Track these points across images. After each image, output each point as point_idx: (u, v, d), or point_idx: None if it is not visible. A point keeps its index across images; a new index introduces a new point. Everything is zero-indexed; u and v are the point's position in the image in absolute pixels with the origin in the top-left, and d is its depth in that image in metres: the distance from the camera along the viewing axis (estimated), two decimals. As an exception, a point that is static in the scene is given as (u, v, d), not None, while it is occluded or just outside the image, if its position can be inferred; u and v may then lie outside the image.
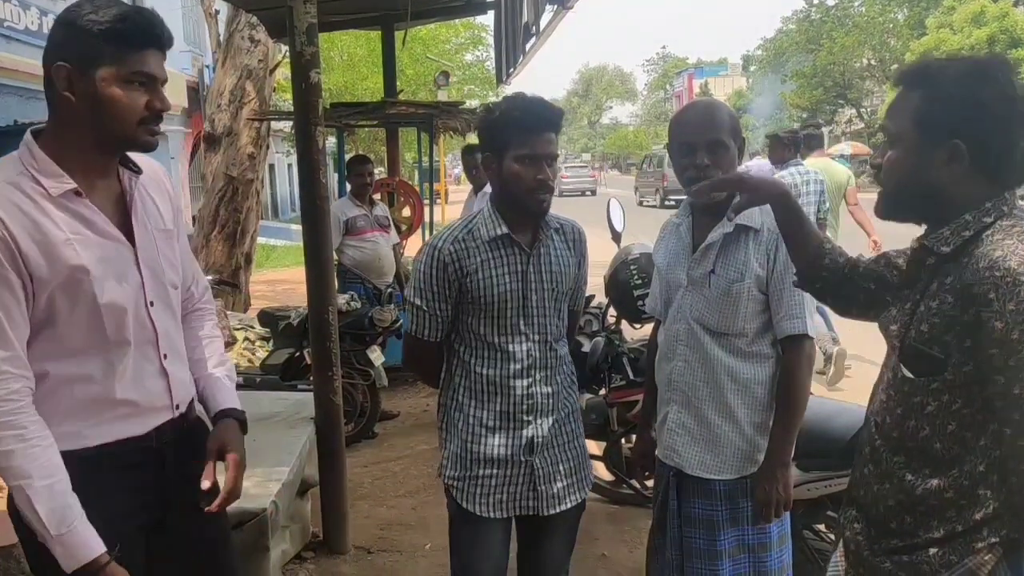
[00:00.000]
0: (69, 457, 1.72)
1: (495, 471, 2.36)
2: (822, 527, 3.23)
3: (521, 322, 2.34)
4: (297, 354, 5.64)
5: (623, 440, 4.34)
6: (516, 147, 2.25)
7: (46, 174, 1.70)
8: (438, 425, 2.49)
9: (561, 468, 2.42)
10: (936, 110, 1.54)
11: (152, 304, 1.84)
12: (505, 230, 2.32)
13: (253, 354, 7.33)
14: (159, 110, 1.76)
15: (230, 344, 6.11)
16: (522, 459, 2.36)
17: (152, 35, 1.74)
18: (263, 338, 7.67)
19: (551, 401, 2.40)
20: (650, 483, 4.18)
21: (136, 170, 1.86)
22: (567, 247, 2.44)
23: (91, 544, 1.66)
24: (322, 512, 3.97)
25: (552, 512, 2.41)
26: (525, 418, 2.36)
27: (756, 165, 10.04)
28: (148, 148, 1.81)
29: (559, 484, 2.41)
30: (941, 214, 1.59)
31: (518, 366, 2.34)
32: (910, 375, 1.57)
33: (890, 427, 1.62)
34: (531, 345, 2.35)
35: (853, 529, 1.69)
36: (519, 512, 2.39)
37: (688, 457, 2.47)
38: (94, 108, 1.70)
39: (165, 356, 1.87)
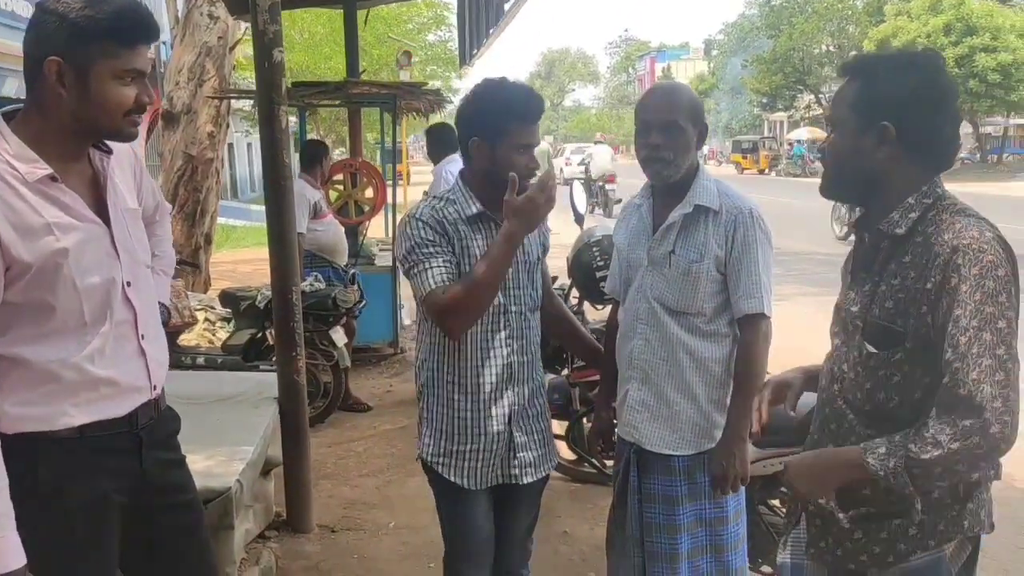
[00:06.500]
0: (52, 437, 1.74)
1: (481, 445, 2.40)
2: (776, 502, 3.32)
3: (500, 295, 2.35)
4: (259, 335, 5.61)
5: (585, 419, 4.40)
6: (516, 136, 2.29)
7: (21, 159, 1.70)
8: (420, 405, 2.51)
9: (536, 438, 2.50)
10: (868, 96, 1.69)
11: (129, 284, 1.85)
12: (480, 208, 2.36)
13: (214, 335, 7.27)
14: (146, 104, 1.78)
15: (191, 324, 6.05)
16: (503, 429, 2.42)
17: (146, 31, 1.75)
18: (223, 319, 7.60)
19: (526, 371, 2.46)
20: (609, 462, 4.26)
21: (107, 150, 1.87)
22: None
23: (17, 554, 1.65)
24: (286, 491, 3.98)
25: (529, 480, 2.47)
26: (505, 388, 2.41)
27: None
28: (131, 138, 1.84)
29: (534, 453, 2.48)
30: (875, 195, 1.74)
31: (497, 336, 2.38)
32: (874, 350, 1.68)
33: (861, 401, 1.72)
34: (509, 316, 2.40)
35: (819, 504, 1.76)
36: (500, 481, 2.45)
37: (647, 433, 2.52)
38: (85, 102, 1.71)
39: (143, 336, 1.89)
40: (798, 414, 2.97)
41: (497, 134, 2.30)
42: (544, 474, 2.55)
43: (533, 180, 2.30)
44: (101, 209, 1.83)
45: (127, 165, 1.98)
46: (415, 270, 2.29)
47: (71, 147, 1.79)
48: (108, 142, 1.87)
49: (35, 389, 1.73)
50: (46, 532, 1.75)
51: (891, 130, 1.66)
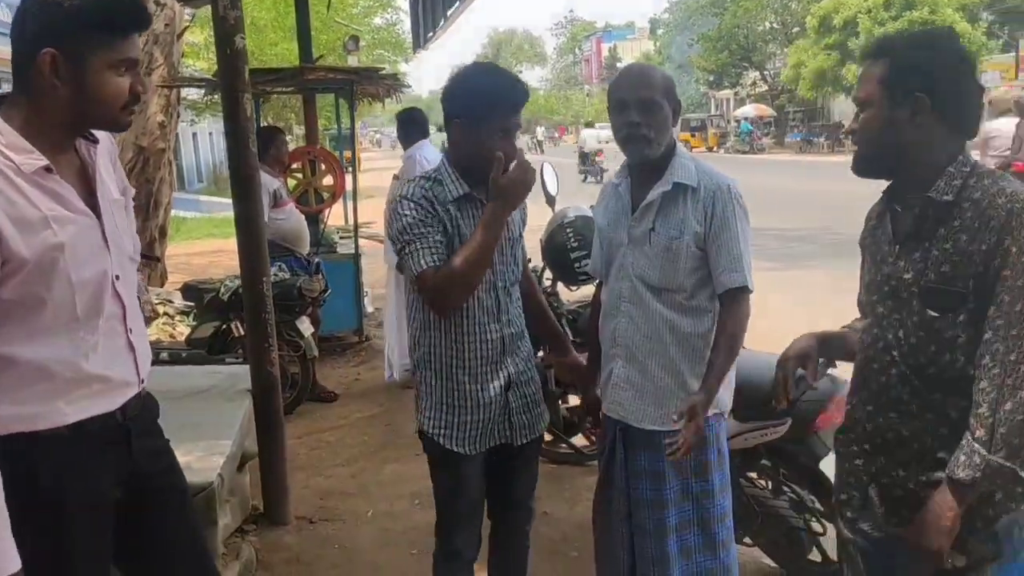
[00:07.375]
0: (46, 436, 1.71)
1: (480, 415, 2.51)
2: (754, 475, 3.39)
3: (489, 271, 2.45)
4: (224, 327, 5.53)
5: (560, 401, 4.42)
6: (499, 122, 2.37)
7: (16, 150, 1.66)
8: (417, 380, 2.59)
9: (529, 401, 2.63)
10: (899, 72, 1.77)
11: (118, 278, 1.82)
12: (467, 189, 2.43)
13: (173, 328, 7.16)
14: (140, 94, 1.76)
15: (151, 319, 5.95)
16: (500, 396, 2.54)
17: (139, 19, 1.73)
18: (182, 312, 7.49)
19: (517, 341, 2.59)
20: (587, 443, 4.30)
21: (93, 139, 1.83)
22: None
23: (11, 559, 1.60)
24: (262, 484, 3.93)
25: (523, 442, 2.61)
26: (502, 360, 2.53)
27: None
28: (126, 128, 1.82)
29: (527, 416, 2.62)
30: (909, 166, 1.81)
31: (489, 312, 2.49)
32: (935, 314, 1.76)
33: (925, 365, 1.79)
34: (496, 292, 2.50)
35: (893, 477, 1.83)
36: (497, 442, 2.57)
37: (633, 410, 2.55)
38: (82, 95, 1.69)
39: (131, 330, 1.87)
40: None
41: (480, 118, 2.37)
42: (539, 434, 2.69)
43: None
44: (90, 200, 1.79)
45: (105, 153, 1.93)
46: (407, 250, 2.36)
47: (63, 138, 1.75)
48: (95, 131, 1.84)
49: (29, 388, 1.70)
50: (43, 530, 1.72)
51: (926, 100, 1.74)
